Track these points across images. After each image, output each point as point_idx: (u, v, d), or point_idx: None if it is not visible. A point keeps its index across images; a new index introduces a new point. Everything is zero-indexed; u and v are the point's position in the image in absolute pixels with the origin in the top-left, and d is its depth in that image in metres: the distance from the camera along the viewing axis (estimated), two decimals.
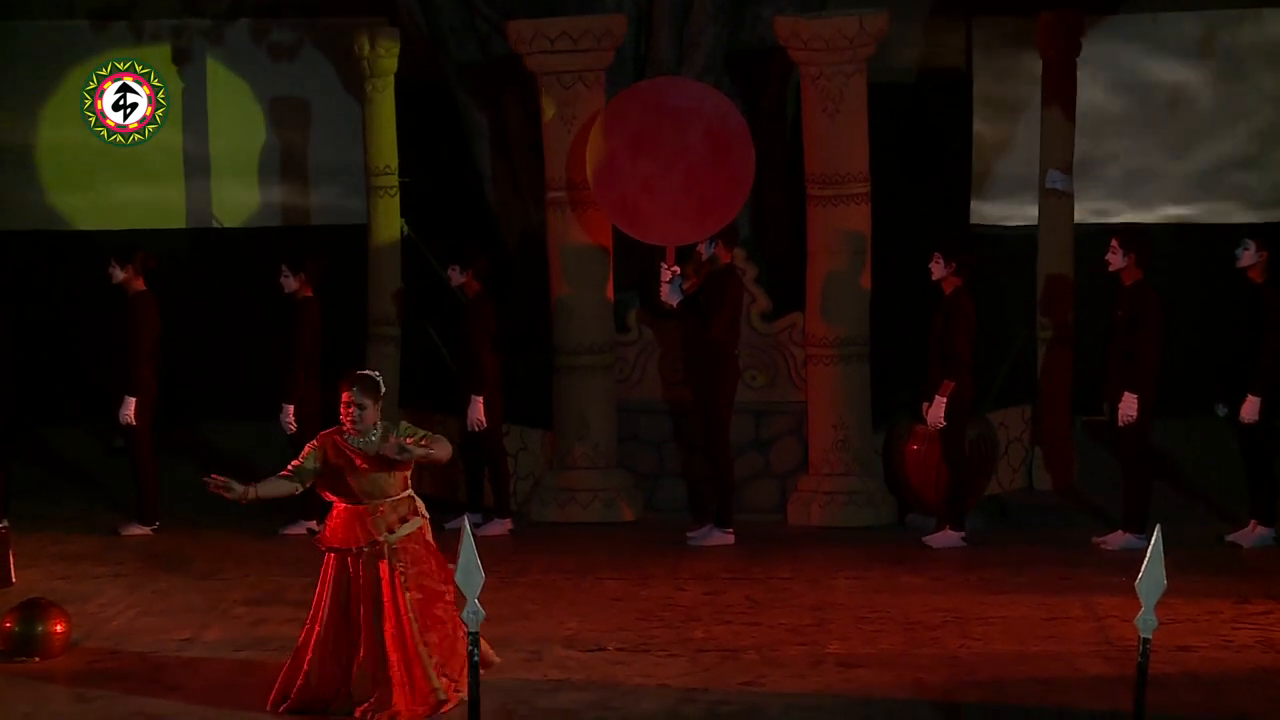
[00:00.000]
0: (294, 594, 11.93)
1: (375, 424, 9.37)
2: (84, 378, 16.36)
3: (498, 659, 9.79)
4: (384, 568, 9.31)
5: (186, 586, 12.26)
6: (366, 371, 9.53)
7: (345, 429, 9.38)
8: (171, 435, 15.93)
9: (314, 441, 9.50)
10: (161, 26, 17.35)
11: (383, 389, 9.36)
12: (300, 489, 9.49)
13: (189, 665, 10.32)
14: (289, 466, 9.46)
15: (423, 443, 9.27)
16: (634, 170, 13.41)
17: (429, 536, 9.51)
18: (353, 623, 9.34)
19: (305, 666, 9.36)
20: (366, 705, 9.27)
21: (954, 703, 9.54)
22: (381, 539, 9.33)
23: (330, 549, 9.42)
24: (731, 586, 12.10)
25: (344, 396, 9.36)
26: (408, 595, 9.28)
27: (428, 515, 9.57)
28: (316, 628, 9.37)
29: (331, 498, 9.46)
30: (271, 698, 9.43)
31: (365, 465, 9.33)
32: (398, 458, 9.23)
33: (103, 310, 14.34)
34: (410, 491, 9.50)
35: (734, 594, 11.89)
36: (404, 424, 9.57)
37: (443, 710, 9.25)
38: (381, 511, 9.37)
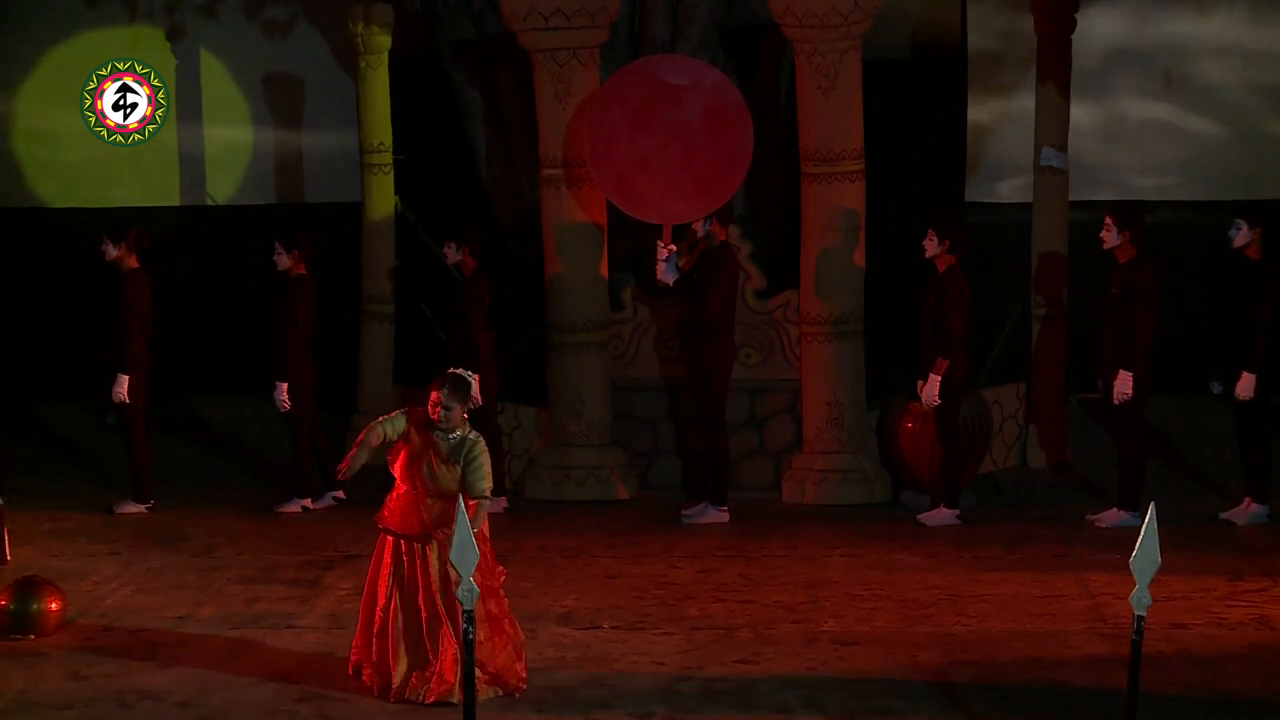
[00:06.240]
0: (288, 573, 11.95)
1: (459, 426, 9.33)
2: (79, 355, 16.35)
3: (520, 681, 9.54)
4: (432, 558, 9.28)
5: (181, 564, 12.26)
6: (460, 372, 9.42)
7: (441, 427, 9.32)
8: (165, 412, 15.93)
9: (404, 410, 9.43)
10: (155, 2, 17.32)
11: (473, 391, 9.32)
12: (381, 441, 9.38)
13: (183, 643, 10.32)
14: (378, 420, 9.42)
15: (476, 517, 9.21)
16: (632, 148, 13.38)
17: (486, 531, 9.39)
18: (415, 607, 9.33)
19: (391, 650, 9.35)
20: (400, 684, 9.28)
21: (949, 681, 9.55)
22: (438, 535, 9.25)
23: (388, 530, 9.38)
24: (726, 564, 12.10)
25: (433, 396, 9.29)
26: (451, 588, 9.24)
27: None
28: (390, 616, 9.32)
29: (397, 476, 9.40)
30: (377, 689, 9.38)
31: (441, 461, 9.30)
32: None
33: (97, 287, 14.32)
34: None
35: (728, 572, 11.90)
36: (480, 442, 9.40)
37: (455, 700, 9.18)
38: (442, 507, 9.28)
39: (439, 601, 9.27)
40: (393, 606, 9.36)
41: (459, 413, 9.33)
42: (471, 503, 9.14)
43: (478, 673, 9.10)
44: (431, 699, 9.23)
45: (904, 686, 9.43)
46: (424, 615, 9.30)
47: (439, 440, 9.33)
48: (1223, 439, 13.73)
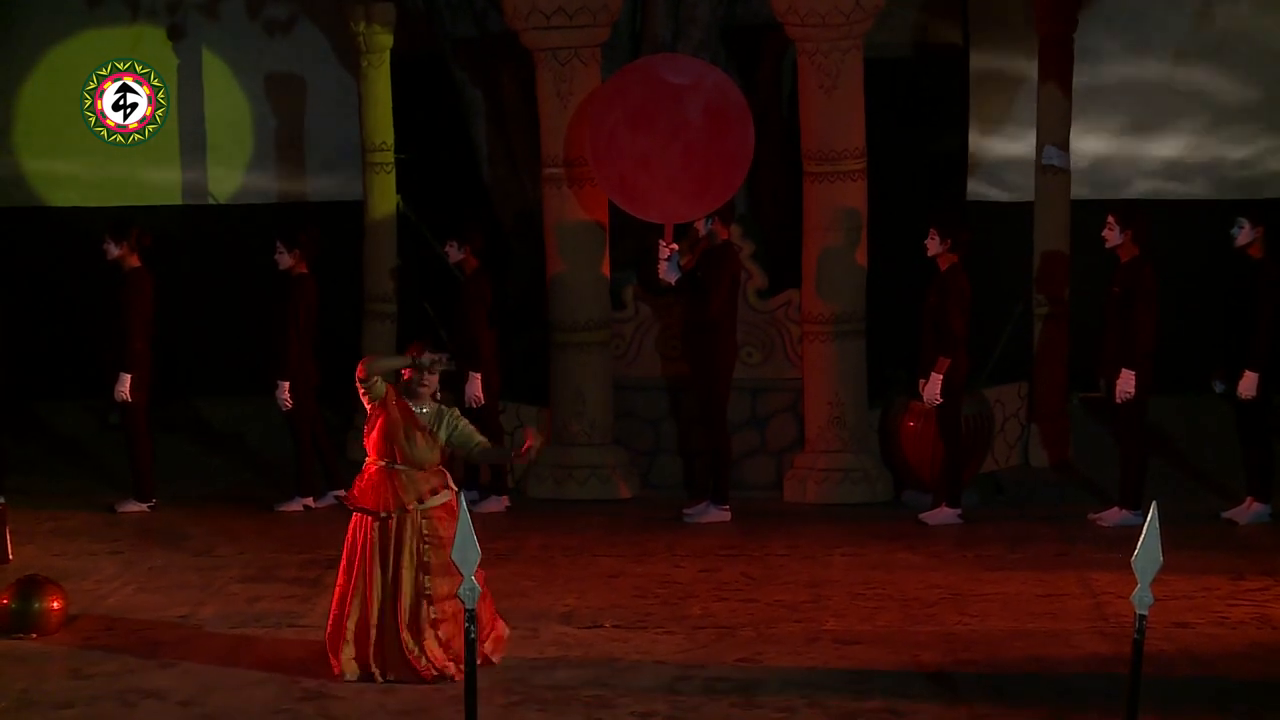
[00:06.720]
0: (289, 571, 11.95)
1: (428, 400, 9.61)
2: (80, 354, 16.35)
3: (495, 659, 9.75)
4: (407, 535, 9.41)
5: (182, 563, 12.26)
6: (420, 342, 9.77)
7: (416, 393, 9.56)
8: (167, 411, 15.93)
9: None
10: (156, 1, 17.31)
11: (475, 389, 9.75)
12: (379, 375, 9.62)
13: (185, 641, 10.32)
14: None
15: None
16: (633, 147, 13.37)
17: (457, 509, 9.52)
18: (385, 584, 9.47)
19: (372, 635, 9.49)
20: (382, 668, 9.44)
21: (950, 680, 9.54)
22: (411, 507, 9.43)
23: (360, 509, 9.52)
24: (728, 563, 12.10)
25: (434, 378, 9.57)
26: (430, 564, 9.38)
27: (456, 488, 9.63)
28: (373, 605, 9.45)
29: (371, 447, 9.54)
30: (339, 668, 9.54)
31: (418, 429, 9.49)
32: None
33: (98, 286, 14.32)
34: (441, 464, 9.62)
35: (730, 571, 11.89)
36: (455, 409, 9.73)
37: (455, 679, 9.25)
38: (415, 480, 9.47)
39: (419, 582, 9.39)
40: (373, 596, 9.42)
41: (436, 380, 9.61)
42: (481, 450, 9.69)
43: (443, 653, 9.35)
44: (425, 676, 9.40)
45: (906, 685, 9.43)
46: (404, 606, 9.38)
47: (415, 411, 9.54)
48: (1224, 438, 13.73)
